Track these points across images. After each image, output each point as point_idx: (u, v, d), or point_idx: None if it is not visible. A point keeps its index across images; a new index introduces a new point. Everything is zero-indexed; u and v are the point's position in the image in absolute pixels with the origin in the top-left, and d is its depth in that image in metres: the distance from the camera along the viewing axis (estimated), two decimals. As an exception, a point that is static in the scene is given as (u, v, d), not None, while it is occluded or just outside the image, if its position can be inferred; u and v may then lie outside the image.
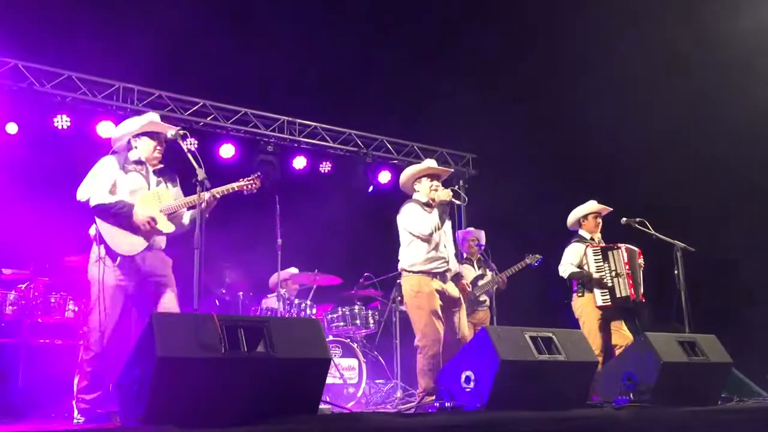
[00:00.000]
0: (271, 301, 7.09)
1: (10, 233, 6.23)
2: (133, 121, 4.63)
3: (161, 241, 4.52)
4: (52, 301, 5.72)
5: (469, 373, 3.94)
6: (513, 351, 3.93)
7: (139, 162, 4.54)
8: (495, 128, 8.84)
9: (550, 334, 4.14)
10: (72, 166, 6.84)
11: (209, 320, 3.18)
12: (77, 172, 6.66)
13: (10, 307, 5.57)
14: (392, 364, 6.83)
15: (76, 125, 7.40)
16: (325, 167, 8.99)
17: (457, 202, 5.48)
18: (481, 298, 6.98)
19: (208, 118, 8.23)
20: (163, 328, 3.08)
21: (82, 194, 4.38)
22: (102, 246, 4.30)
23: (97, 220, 4.35)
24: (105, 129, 7.54)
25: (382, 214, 8.36)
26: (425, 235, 5.23)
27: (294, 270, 7.33)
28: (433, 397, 4.61)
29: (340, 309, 6.89)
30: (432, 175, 5.50)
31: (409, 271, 5.30)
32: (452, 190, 5.36)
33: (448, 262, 5.34)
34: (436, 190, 5.41)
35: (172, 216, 4.49)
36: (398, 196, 8.47)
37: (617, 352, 5.76)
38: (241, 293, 6.85)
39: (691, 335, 4.75)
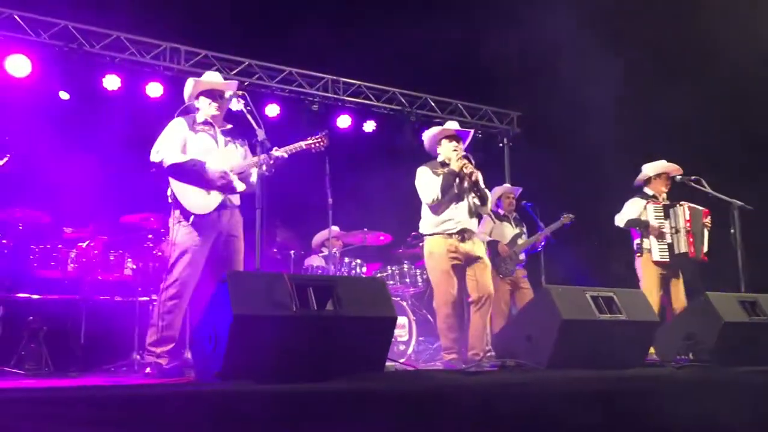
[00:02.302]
0: (316, 260, 7.16)
1: (70, 194, 6.35)
2: (190, 83, 4.68)
3: (236, 200, 4.63)
4: (111, 258, 5.83)
5: (530, 332, 3.97)
6: (574, 310, 3.94)
7: (206, 123, 4.61)
8: (539, 87, 8.72)
9: (612, 294, 4.14)
10: (123, 126, 6.97)
11: (280, 279, 3.24)
12: (128, 133, 6.79)
13: (72, 265, 5.69)
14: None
15: (125, 86, 7.47)
16: (370, 126, 8.97)
17: (465, 171, 5.27)
18: (520, 257, 6.96)
19: (254, 78, 8.25)
20: (237, 286, 3.15)
21: (155, 155, 4.45)
22: (178, 209, 4.42)
23: (171, 180, 4.43)
24: (154, 89, 7.64)
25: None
26: (427, 202, 5.31)
27: (335, 228, 7.34)
28: (492, 354, 4.66)
29: (389, 267, 6.94)
30: (452, 137, 5.47)
31: (426, 234, 5.41)
32: (466, 158, 5.32)
33: (461, 222, 5.30)
34: (455, 151, 5.36)
35: (242, 176, 4.56)
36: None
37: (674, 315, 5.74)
38: (292, 252, 6.92)
39: (753, 295, 4.69)
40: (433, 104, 9.28)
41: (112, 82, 7.40)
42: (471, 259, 5.27)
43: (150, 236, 5.96)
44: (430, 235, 5.35)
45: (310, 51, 8.57)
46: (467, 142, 5.52)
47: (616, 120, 8.14)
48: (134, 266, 5.93)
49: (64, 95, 7.12)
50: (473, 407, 3.33)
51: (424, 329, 6.97)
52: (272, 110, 8.34)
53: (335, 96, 8.75)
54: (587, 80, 8.47)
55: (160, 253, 6.09)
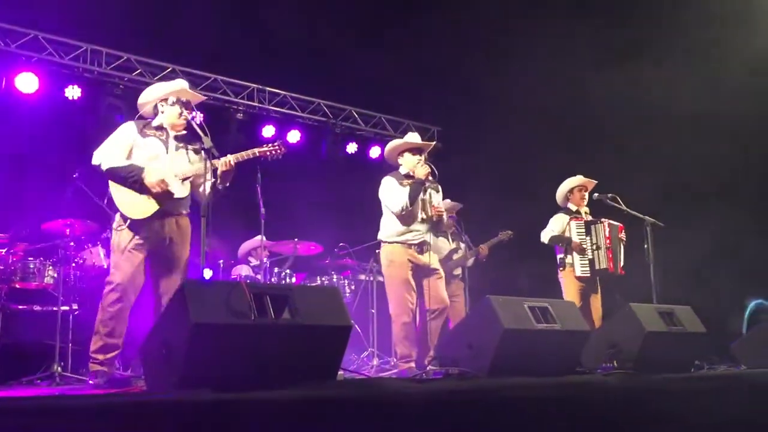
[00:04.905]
0: (244, 270, 7.07)
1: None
2: (164, 85, 4.61)
3: (182, 207, 4.53)
4: (31, 266, 5.60)
5: (471, 340, 4.10)
6: (515, 320, 4.10)
7: (159, 128, 4.53)
8: (460, 101, 8.97)
9: (546, 305, 4.33)
10: (41, 129, 6.70)
11: (238, 288, 3.22)
12: (48, 136, 6.53)
13: (-12, 272, 5.43)
14: (368, 333, 6.96)
15: (42, 87, 7.18)
16: (294, 136, 8.97)
17: (431, 180, 5.55)
18: (455, 272, 7.12)
19: (177, 84, 8.09)
20: (195, 294, 3.11)
21: (96, 158, 4.38)
22: (117, 213, 4.36)
23: (111, 184, 4.36)
24: (73, 92, 7.38)
25: (350, 184, 8.46)
26: (395, 212, 5.41)
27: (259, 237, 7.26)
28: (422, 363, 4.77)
29: (318, 278, 6.95)
30: (415, 149, 5.62)
31: (386, 242, 5.53)
32: (429, 166, 5.48)
33: (422, 233, 5.46)
34: (418, 164, 5.51)
35: (191, 183, 4.50)
36: (365, 166, 8.52)
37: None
38: (221, 261, 6.83)
39: (669, 306, 5.01)
40: (356, 116, 9.38)
41: (28, 82, 7.10)
42: (428, 271, 5.43)
43: (72, 244, 5.76)
44: (390, 242, 5.46)
45: (235, 59, 8.51)
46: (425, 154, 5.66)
47: (536, 135, 8.48)
48: (55, 275, 5.70)
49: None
50: (421, 414, 3.43)
51: (352, 340, 6.99)
52: (196, 118, 8.18)
53: (260, 105, 8.71)
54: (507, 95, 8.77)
55: (82, 261, 5.90)
